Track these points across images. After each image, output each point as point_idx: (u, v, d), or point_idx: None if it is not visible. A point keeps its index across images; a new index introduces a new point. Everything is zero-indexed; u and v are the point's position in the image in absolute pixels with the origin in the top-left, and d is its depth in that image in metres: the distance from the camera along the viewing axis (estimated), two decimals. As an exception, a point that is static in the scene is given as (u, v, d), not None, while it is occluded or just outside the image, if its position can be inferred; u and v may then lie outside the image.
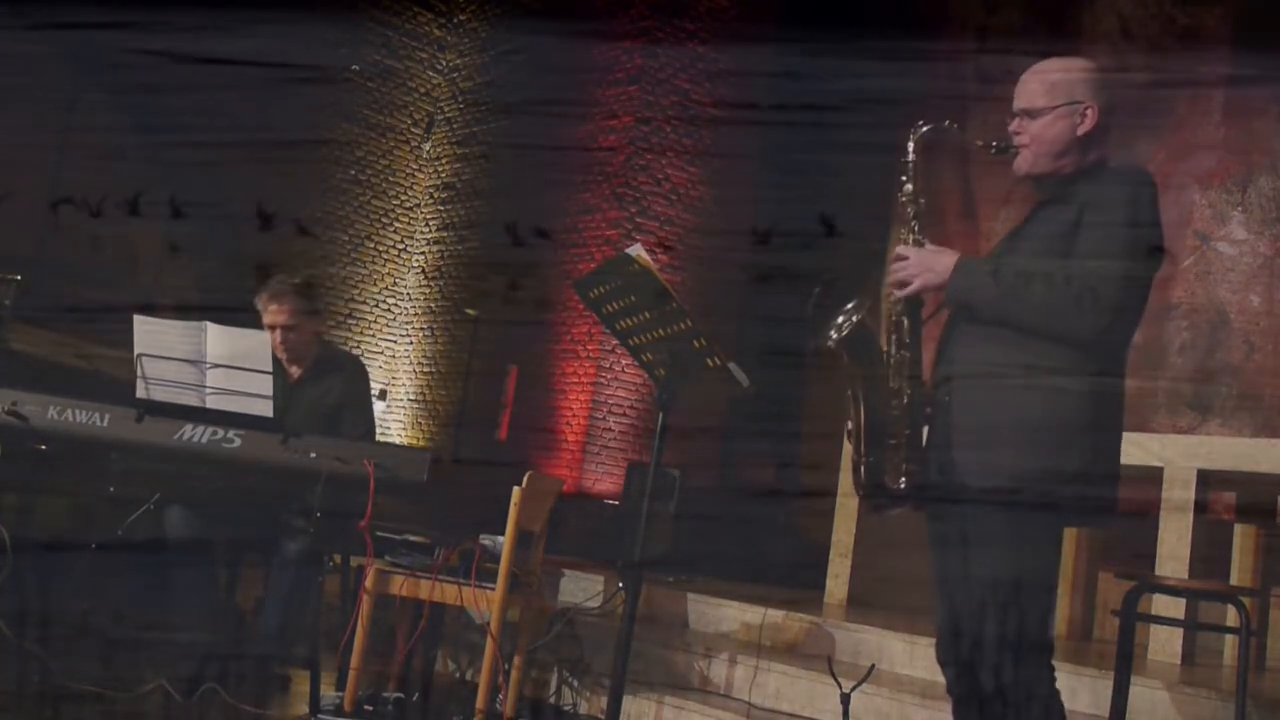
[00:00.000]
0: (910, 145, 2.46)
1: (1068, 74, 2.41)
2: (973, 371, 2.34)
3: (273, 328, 3.83)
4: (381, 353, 9.49)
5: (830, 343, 2.40)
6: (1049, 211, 2.39)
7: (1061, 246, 2.27)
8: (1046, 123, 2.39)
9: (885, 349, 2.42)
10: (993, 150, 2.45)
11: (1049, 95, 2.39)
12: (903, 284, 2.39)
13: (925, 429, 2.42)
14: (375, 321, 9.49)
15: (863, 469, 2.43)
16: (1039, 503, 2.25)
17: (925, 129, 2.47)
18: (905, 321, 2.41)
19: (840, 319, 2.40)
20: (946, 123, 2.47)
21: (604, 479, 7.92)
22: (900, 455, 2.38)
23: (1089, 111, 2.38)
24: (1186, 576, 3.86)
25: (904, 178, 2.47)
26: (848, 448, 5.27)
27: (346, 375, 3.94)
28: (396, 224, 9.61)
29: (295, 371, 3.90)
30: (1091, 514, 2.35)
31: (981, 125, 2.56)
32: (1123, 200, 2.28)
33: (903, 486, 2.39)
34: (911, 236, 2.43)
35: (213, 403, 3.37)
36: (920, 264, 2.38)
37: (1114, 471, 2.33)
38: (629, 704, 3.70)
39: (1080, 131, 2.38)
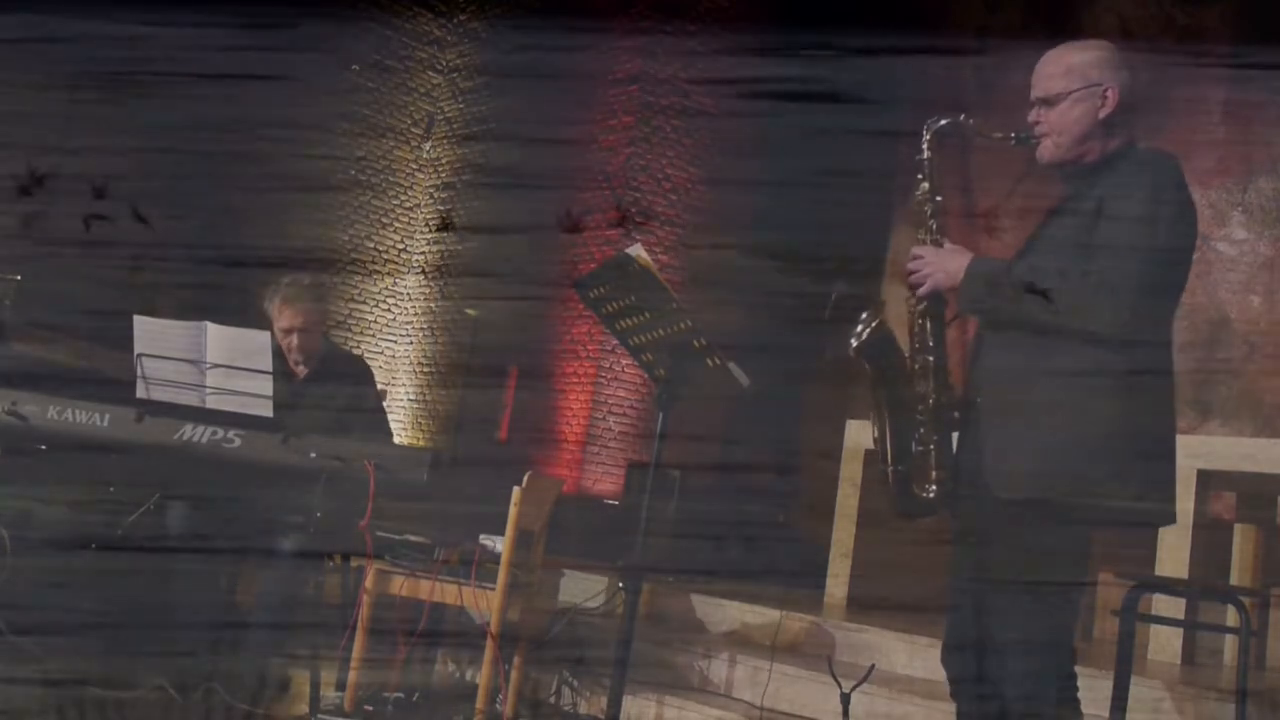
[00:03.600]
0: (925, 141, 2.39)
1: (1084, 56, 2.34)
2: (1002, 378, 2.28)
3: (289, 331, 3.82)
4: (381, 353, 9.48)
5: (851, 350, 2.35)
6: (1072, 205, 2.32)
7: (1084, 239, 2.20)
8: (1065, 108, 2.31)
9: (908, 353, 2.36)
10: (1013, 141, 2.38)
11: (1066, 80, 2.32)
12: (917, 284, 2.34)
13: (955, 435, 2.36)
14: (375, 321, 9.48)
15: (890, 477, 2.36)
16: (1072, 515, 2.18)
17: (941, 123, 2.40)
18: (927, 324, 2.36)
19: (859, 326, 2.35)
20: (962, 117, 2.40)
21: (604, 479, 7.91)
22: (929, 462, 2.32)
23: (1109, 93, 2.30)
24: (1186, 576, 3.86)
25: (919, 175, 2.40)
26: (849, 448, 5.27)
27: (354, 378, 3.95)
28: (396, 224, 9.60)
29: (301, 370, 3.90)
30: (1140, 519, 2.27)
31: (982, 124, 2.51)
32: (1145, 185, 2.21)
33: (932, 494, 2.32)
34: (929, 235, 2.37)
35: (213, 403, 3.37)
36: (935, 263, 2.32)
37: (1164, 475, 2.26)
38: (629, 704, 3.69)
39: (1102, 115, 2.31)
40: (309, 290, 3.90)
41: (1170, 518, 2.29)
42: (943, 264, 2.32)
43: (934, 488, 2.32)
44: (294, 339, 3.83)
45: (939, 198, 2.40)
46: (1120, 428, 2.18)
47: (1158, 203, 2.19)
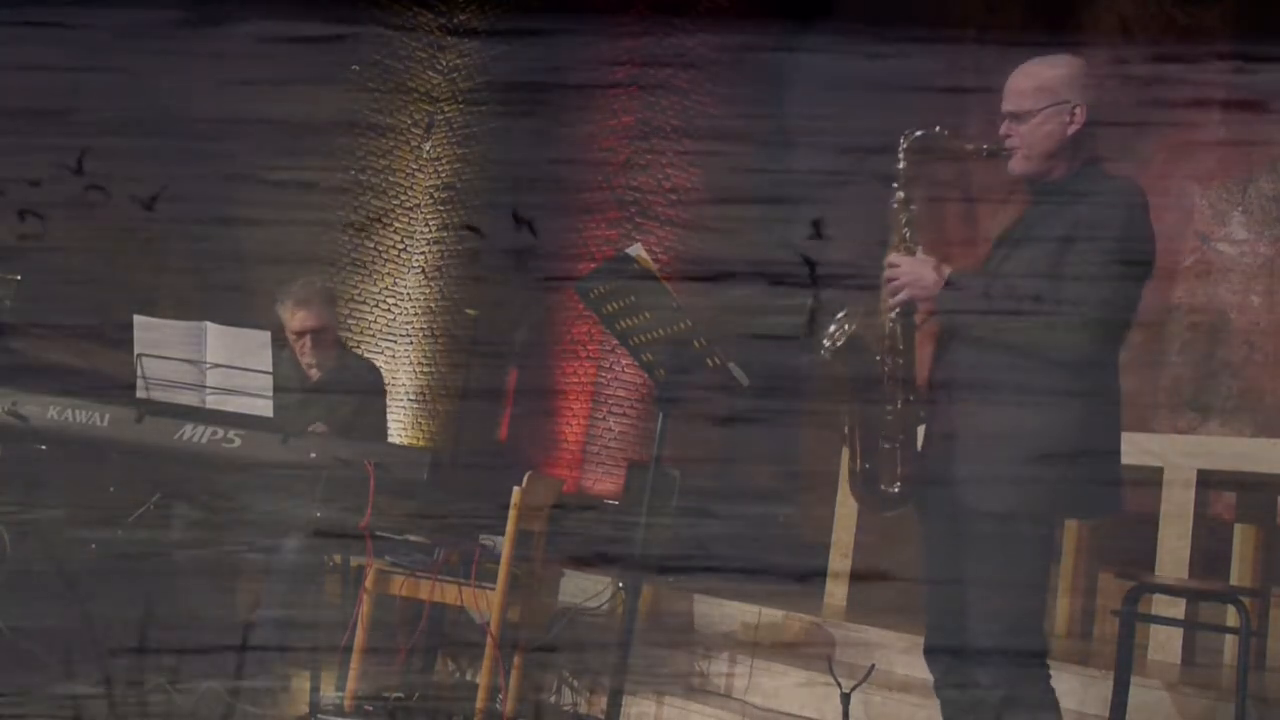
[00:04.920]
0: (901, 152, 2.44)
1: (1054, 73, 2.39)
2: (965, 383, 2.36)
3: (301, 333, 3.82)
4: (381, 353, 9.48)
5: (824, 352, 2.41)
6: (1041, 222, 2.38)
7: (1054, 263, 2.27)
8: (1035, 124, 2.37)
9: (879, 355, 2.43)
10: (984, 153, 2.44)
11: (1036, 96, 2.38)
12: (893, 292, 2.40)
13: (920, 431, 2.45)
14: (375, 321, 9.48)
15: (860, 473, 2.45)
16: (1032, 507, 2.28)
17: (917, 134, 2.45)
18: (899, 327, 2.42)
19: (832, 328, 2.41)
20: (937, 128, 2.45)
21: (604, 479, 7.91)
22: (895, 458, 2.40)
23: (1078, 111, 2.36)
24: (1186, 576, 3.86)
25: (895, 184, 2.46)
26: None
27: (366, 383, 3.94)
28: (396, 224, 9.60)
29: (315, 374, 3.88)
30: (1092, 507, 2.43)
31: (982, 124, 2.55)
32: (1115, 219, 2.27)
33: (897, 490, 2.41)
34: (904, 244, 2.43)
35: (213, 403, 3.37)
36: (911, 273, 2.38)
37: (1112, 473, 2.34)
38: (629, 704, 3.69)
39: (1070, 132, 2.37)
40: (321, 293, 3.89)
41: (1116, 507, 2.40)
42: (919, 274, 2.38)
43: (899, 485, 2.41)
44: (307, 341, 3.82)
45: (914, 207, 2.45)
46: (1073, 434, 2.27)
47: (1127, 236, 2.27)
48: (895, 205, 2.46)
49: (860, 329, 2.42)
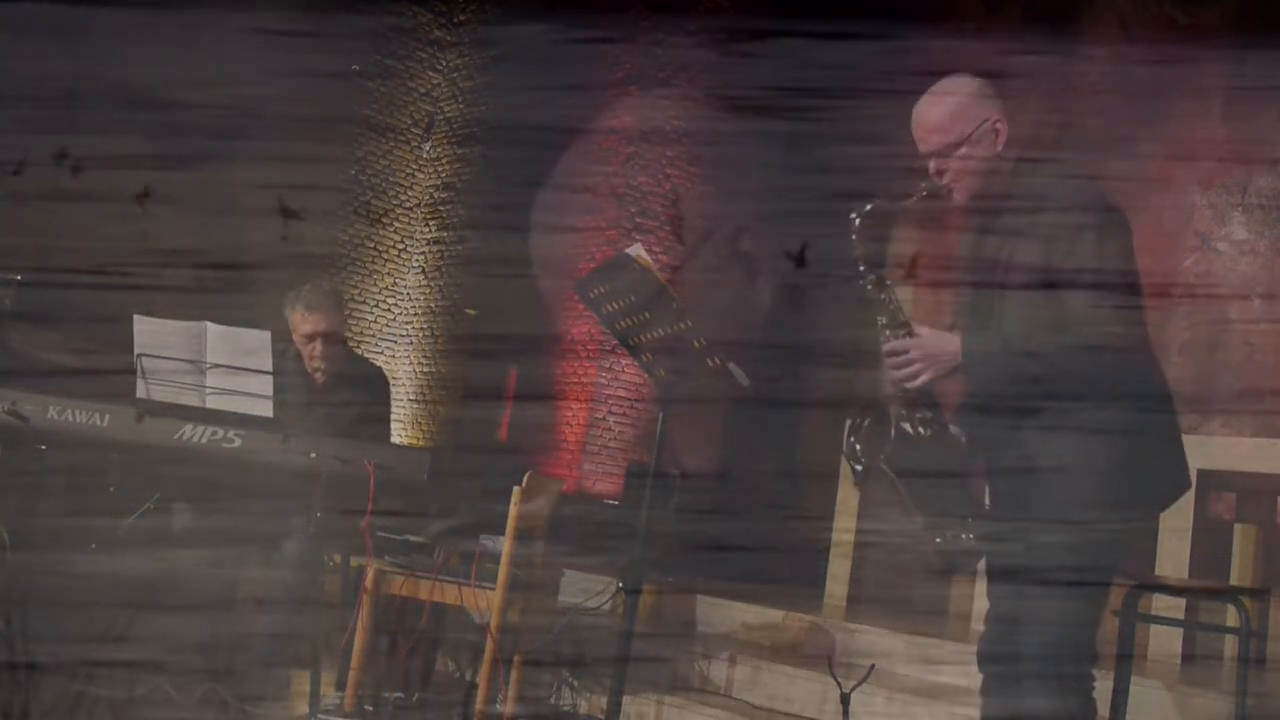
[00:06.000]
0: (855, 236, 2.37)
1: (963, 98, 2.37)
2: (1011, 423, 2.31)
3: (311, 337, 3.81)
4: (381, 353, 9.48)
5: (858, 478, 2.37)
6: (1016, 238, 2.34)
7: (1051, 271, 2.24)
8: (966, 153, 2.34)
9: (914, 432, 2.35)
10: (924, 195, 2.39)
11: (957, 127, 2.34)
12: (909, 379, 2.31)
13: (981, 481, 2.42)
14: (375, 321, 9.48)
15: (942, 545, 2.38)
16: (1105, 522, 2.26)
17: (867, 209, 2.37)
18: (920, 397, 2.36)
19: (857, 446, 2.33)
20: (876, 199, 2.39)
21: (604, 479, 7.91)
22: (965, 515, 2.35)
23: (999, 126, 2.35)
24: (1186, 576, 3.86)
25: (862, 267, 2.37)
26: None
27: (372, 390, 3.94)
28: (396, 224, 9.60)
29: (320, 377, 3.88)
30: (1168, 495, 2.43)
31: (894, 192, 2.49)
32: (1080, 198, 2.27)
33: (972, 539, 2.35)
34: (894, 326, 2.35)
35: (213, 403, 3.37)
36: (924, 355, 2.30)
37: (1179, 455, 2.39)
38: (629, 704, 3.69)
39: (999, 148, 2.35)
40: (330, 296, 3.89)
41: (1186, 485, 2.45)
42: (932, 352, 2.31)
43: (972, 536, 2.34)
44: (317, 345, 3.81)
45: (889, 283, 2.38)
46: (1137, 431, 2.27)
47: (1098, 208, 2.26)
48: (870, 289, 2.37)
49: (882, 421, 2.34)
